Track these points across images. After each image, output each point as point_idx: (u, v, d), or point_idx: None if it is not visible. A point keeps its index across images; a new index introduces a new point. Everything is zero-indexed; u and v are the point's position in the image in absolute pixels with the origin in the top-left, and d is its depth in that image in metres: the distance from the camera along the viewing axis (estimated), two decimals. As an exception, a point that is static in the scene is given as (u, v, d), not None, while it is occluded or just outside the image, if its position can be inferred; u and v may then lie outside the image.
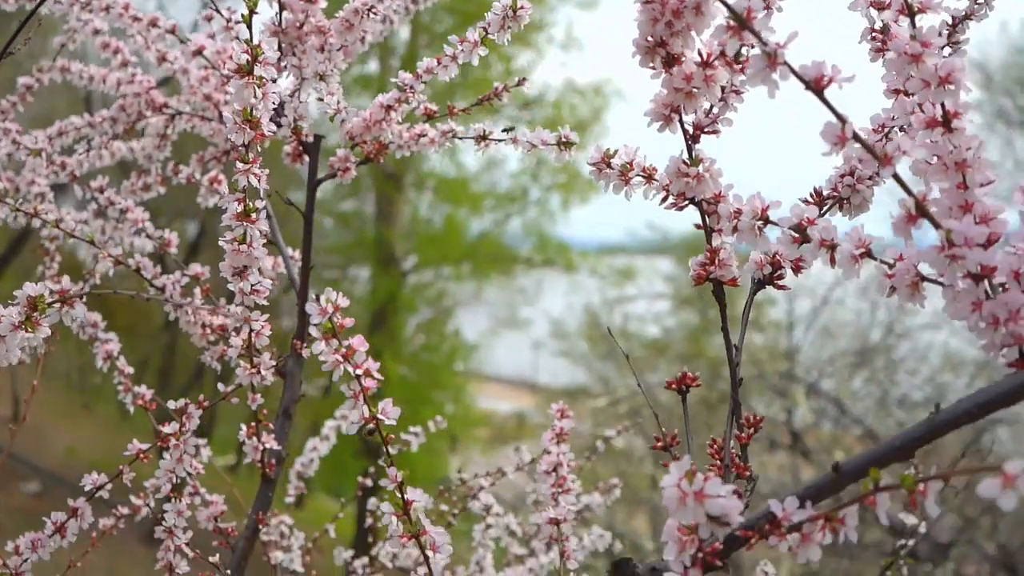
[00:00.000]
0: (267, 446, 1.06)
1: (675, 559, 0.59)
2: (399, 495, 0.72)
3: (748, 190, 0.72)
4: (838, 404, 6.25)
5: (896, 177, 0.57)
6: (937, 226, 0.56)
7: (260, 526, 1.09)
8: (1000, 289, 0.58)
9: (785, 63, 0.56)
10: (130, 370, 1.18)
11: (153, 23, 1.17)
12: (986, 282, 0.58)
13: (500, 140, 1.02)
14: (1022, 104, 9.57)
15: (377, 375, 0.69)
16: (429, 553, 0.72)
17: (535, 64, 11.44)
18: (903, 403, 6.81)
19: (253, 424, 1.05)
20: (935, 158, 0.60)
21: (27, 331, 0.74)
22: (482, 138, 1.03)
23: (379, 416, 0.70)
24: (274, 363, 1.00)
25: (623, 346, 1.37)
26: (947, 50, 0.80)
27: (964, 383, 6.56)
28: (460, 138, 1.04)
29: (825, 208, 0.77)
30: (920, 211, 0.57)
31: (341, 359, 0.68)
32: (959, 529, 5.97)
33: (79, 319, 0.73)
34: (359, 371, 0.69)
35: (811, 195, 0.77)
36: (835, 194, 0.76)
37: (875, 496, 0.53)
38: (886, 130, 0.77)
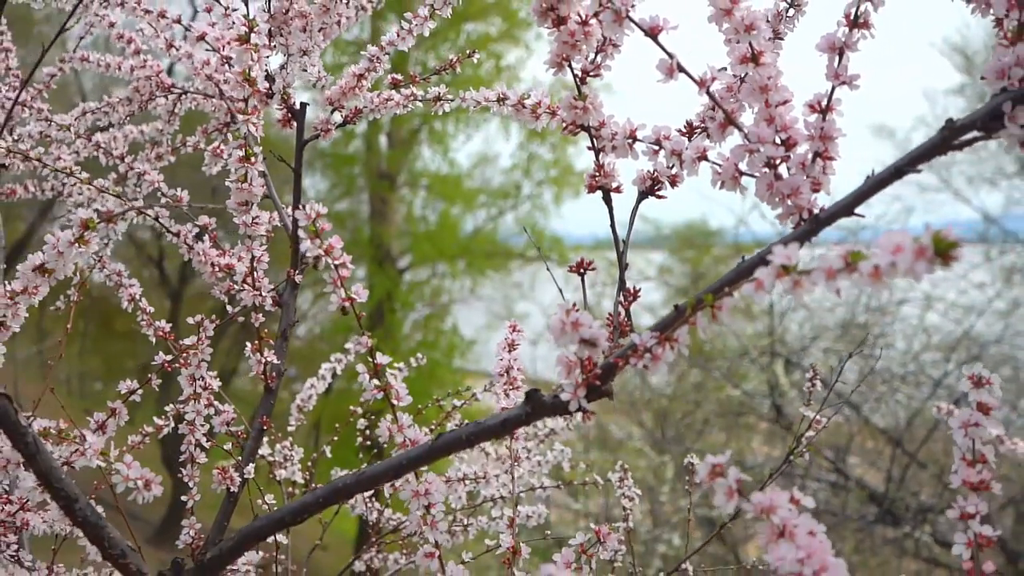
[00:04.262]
0: (269, 360, 1.28)
1: (566, 379, 0.81)
2: (370, 359, 0.94)
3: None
4: (820, 379, 6.47)
5: (710, 96, 0.79)
6: (740, 130, 0.79)
7: (264, 428, 1.31)
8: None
9: (628, 17, 0.78)
10: (151, 309, 1.40)
11: (162, 15, 1.39)
12: (784, 170, 0.81)
13: (451, 99, 1.25)
14: (1002, 88, 9.78)
15: (350, 265, 0.92)
16: (394, 402, 0.94)
17: (524, 61, 11.67)
18: (886, 379, 7.03)
19: (257, 342, 1.28)
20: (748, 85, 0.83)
21: (80, 246, 0.97)
22: (436, 99, 1.26)
23: (352, 295, 0.92)
24: (272, 287, 1.22)
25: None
26: (791, 11, 1.02)
27: (941, 356, 6.80)
28: (420, 100, 1.27)
29: (695, 136, 0.99)
30: (728, 121, 0.79)
31: (323, 253, 0.91)
32: (939, 495, 6.19)
33: (117, 235, 0.95)
34: (337, 262, 0.91)
35: (684, 126, 0.99)
36: (702, 125, 0.99)
37: (694, 317, 0.75)
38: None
